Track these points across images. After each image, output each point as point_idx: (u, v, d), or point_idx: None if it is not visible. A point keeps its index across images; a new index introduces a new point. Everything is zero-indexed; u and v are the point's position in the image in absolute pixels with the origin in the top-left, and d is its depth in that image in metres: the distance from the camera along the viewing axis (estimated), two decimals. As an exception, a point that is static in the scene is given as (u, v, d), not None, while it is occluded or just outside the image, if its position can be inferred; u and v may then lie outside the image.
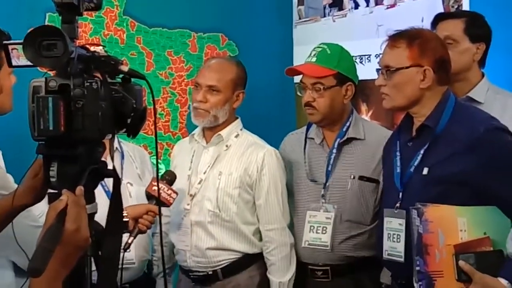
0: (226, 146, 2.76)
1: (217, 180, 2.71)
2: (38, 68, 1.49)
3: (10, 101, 2.04)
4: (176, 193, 2.56)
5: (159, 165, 2.73)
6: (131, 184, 2.67)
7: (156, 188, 2.48)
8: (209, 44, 3.80)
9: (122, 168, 2.66)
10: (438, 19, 2.69)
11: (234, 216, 2.70)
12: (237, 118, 2.82)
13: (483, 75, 2.64)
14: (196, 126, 2.84)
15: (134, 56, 3.57)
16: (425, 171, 2.18)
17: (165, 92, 3.68)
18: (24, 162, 2.42)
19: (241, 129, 2.81)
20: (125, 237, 2.38)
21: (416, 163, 2.21)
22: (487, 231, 2.08)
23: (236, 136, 2.78)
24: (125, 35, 3.55)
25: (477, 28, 2.62)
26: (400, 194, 2.24)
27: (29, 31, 1.44)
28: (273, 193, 2.71)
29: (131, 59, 3.54)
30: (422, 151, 2.21)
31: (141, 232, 2.50)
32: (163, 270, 2.76)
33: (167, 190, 2.52)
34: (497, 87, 2.66)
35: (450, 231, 2.07)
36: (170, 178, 2.58)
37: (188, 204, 2.73)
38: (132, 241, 2.46)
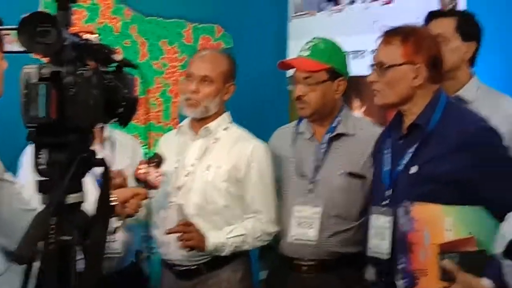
0: (215, 139, 2.75)
1: (205, 173, 2.70)
2: (31, 55, 1.50)
3: (1, 86, 2.04)
4: (163, 175, 2.53)
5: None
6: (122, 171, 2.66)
7: (142, 171, 2.47)
8: (204, 35, 3.79)
9: (113, 157, 2.65)
10: (431, 16, 2.70)
11: (220, 210, 2.69)
12: (226, 111, 2.81)
13: (473, 74, 2.66)
14: (184, 117, 2.83)
15: (128, 45, 3.57)
16: (414, 169, 2.19)
17: (158, 82, 3.68)
18: (14, 148, 2.44)
19: (230, 122, 2.81)
20: (114, 221, 2.38)
21: (405, 161, 2.22)
22: (473, 231, 2.08)
23: (225, 129, 2.77)
24: (120, 23, 3.55)
25: (469, 27, 2.63)
26: (389, 191, 2.25)
27: (23, 17, 1.45)
28: (261, 186, 2.70)
29: (125, 48, 3.54)
30: (412, 149, 2.21)
31: (129, 216, 2.49)
32: (149, 252, 2.75)
33: (155, 172, 2.50)
34: (487, 86, 2.66)
35: (436, 230, 2.07)
36: (158, 160, 2.55)
37: (174, 196, 2.71)
38: (120, 225, 2.46)
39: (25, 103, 1.44)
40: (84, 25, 3.43)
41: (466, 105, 2.46)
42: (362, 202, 2.62)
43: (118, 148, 2.79)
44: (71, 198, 1.50)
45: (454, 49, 2.59)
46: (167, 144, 2.86)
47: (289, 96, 3.67)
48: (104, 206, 1.56)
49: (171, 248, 2.68)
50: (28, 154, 2.56)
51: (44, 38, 1.42)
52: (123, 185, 2.55)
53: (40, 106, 1.42)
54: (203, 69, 2.70)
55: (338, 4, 3.73)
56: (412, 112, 2.25)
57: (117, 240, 2.62)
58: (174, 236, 2.59)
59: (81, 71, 1.47)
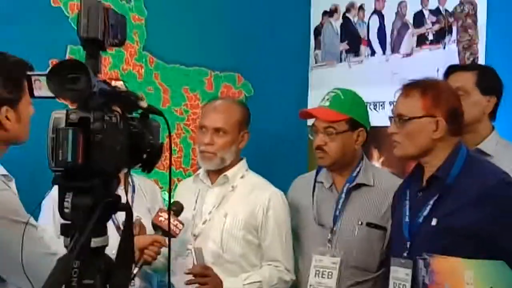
0: (232, 187, 2.76)
1: (223, 220, 2.70)
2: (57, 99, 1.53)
3: (27, 132, 2.07)
4: (183, 224, 2.54)
5: (169, 200, 2.74)
6: (140, 218, 2.66)
7: (162, 219, 2.48)
8: (225, 83, 3.83)
9: (132, 202, 2.67)
10: (451, 70, 2.73)
11: (237, 258, 2.69)
12: (242, 158, 2.82)
13: (493, 128, 2.66)
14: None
15: (151, 92, 3.61)
16: (434, 222, 2.18)
17: (179, 128, 3.70)
18: (36, 191, 2.45)
19: (246, 170, 2.82)
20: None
21: (425, 213, 2.22)
22: (494, 285, 2.07)
23: (242, 177, 2.78)
24: (143, 70, 3.60)
25: (489, 81, 2.65)
26: (408, 243, 2.23)
27: (54, 63, 1.48)
28: (277, 235, 2.70)
29: (148, 94, 3.57)
30: (431, 202, 2.21)
31: (147, 263, 2.49)
32: None
33: (173, 221, 2.50)
34: (506, 140, 2.67)
35: (456, 283, 2.06)
36: (176, 208, 2.56)
37: (191, 244, 2.71)
38: (137, 272, 2.45)
39: (52, 148, 1.46)
40: (109, 71, 3.49)
41: (486, 158, 2.46)
42: (381, 254, 2.61)
43: (138, 192, 2.80)
44: (95, 242, 1.50)
45: (474, 102, 2.61)
46: (184, 191, 2.86)
47: (308, 145, 3.69)
48: (127, 251, 1.56)
49: None
50: (50, 198, 2.57)
51: (74, 84, 1.44)
52: (141, 233, 2.56)
53: (68, 150, 1.44)
54: (216, 120, 2.70)
55: (358, 56, 3.76)
56: (432, 165, 2.25)
57: (135, 286, 2.61)
58: (193, 286, 2.57)
59: (108, 117, 1.49)
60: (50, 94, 1.49)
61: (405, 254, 2.23)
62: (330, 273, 2.59)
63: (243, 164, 2.81)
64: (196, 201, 2.78)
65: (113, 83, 1.62)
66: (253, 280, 2.64)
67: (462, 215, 2.14)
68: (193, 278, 2.57)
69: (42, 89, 1.59)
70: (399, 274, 2.22)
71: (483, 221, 2.10)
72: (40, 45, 3.19)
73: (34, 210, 1.94)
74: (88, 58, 1.54)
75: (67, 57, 3.26)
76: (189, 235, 2.72)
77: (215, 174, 2.77)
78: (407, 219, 2.29)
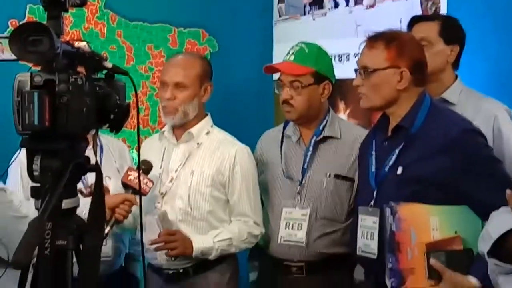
0: (197, 143, 2.74)
1: (189, 178, 2.70)
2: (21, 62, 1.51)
3: None
4: (152, 182, 2.54)
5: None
6: (110, 178, 2.66)
7: (131, 177, 2.49)
8: (190, 39, 3.80)
9: (101, 162, 2.64)
10: (414, 21, 2.73)
11: (205, 214, 2.69)
12: (206, 114, 2.80)
13: (456, 77, 2.68)
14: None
15: (114, 50, 3.57)
16: (400, 170, 2.21)
17: (145, 86, 3.69)
18: (2, 155, 2.43)
19: (211, 126, 2.79)
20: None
21: (390, 163, 2.24)
22: (458, 230, 2.12)
23: (207, 133, 2.76)
24: (105, 28, 3.55)
25: (452, 31, 2.66)
26: (375, 192, 2.26)
27: (16, 27, 1.46)
28: (245, 190, 2.70)
29: (111, 52, 3.54)
30: (397, 151, 2.23)
31: (118, 222, 2.49)
32: (142, 259, 2.76)
33: (144, 179, 2.50)
34: (470, 89, 2.69)
35: (422, 229, 2.10)
36: (146, 167, 2.56)
37: (158, 203, 2.70)
38: (108, 231, 2.46)
39: (18, 111, 1.45)
40: (70, 31, 3.43)
41: (449, 107, 2.49)
42: (349, 204, 2.65)
43: (106, 152, 2.79)
44: (66, 204, 1.51)
45: (438, 52, 2.62)
46: (149, 149, 2.83)
47: (274, 100, 3.70)
48: (98, 211, 1.57)
49: (157, 253, 2.66)
50: (18, 160, 2.55)
51: (37, 47, 1.43)
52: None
53: (34, 113, 1.43)
54: (175, 75, 2.67)
55: (322, 8, 3.75)
56: (397, 115, 2.27)
57: (107, 245, 2.61)
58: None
59: (74, 79, 1.48)
60: (13, 57, 1.48)
61: (372, 203, 2.25)
62: (299, 225, 2.63)
63: (208, 120, 2.79)
64: (162, 159, 2.76)
65: (77, 44, 1.61)
66: (223, 237, 2.65)
67: (426, 163, 2.17)
68: (161, 244, 2.58)
69: (4, 52, 1.58)
70: (367, 222, 2.26)
71: (447, 169, 2.13)
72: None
73: (2, 174, 1.93)
74: (50, 19, 1.53)
75: (26, 17, 3.18)
76: (157, 193, 2.71)
77: (180, 131, 2.75)
78: (373, 169, 2.31)
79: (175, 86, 2.66)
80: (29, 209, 1.69)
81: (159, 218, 2.64)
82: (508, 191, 1.68)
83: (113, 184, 2.68)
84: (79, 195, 2.18)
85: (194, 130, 2.73)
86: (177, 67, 2.71)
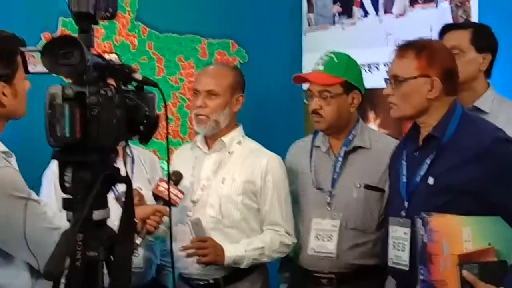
0: (229, 152, 2.76)
1: (220, 186, 2.72)
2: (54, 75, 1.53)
3: (24, 106, 2.07)
4: (183, 192, 2.56)
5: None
6: (141, 189, 2.67)
7: (162, 188, 2.50)
8: (219, 50, 3.82)
9: (132, 173, 2.67)
10: (445, 29, 2.73)
11: (236, 223, 2.70)
12: (238, 125, 2.82)
13: (489, 85, 2.67)
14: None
15: (145, 61, 3.60)
16: (431, 180, 2.19)
17: (175, 97, 3.70)
18: (35, 166, 2.47)
19: (243, 136, 2.82)
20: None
21: (422, 173, 2.23)
22: (491, 241, 2.09)
23: (239, 143, 2.78)
24: (136, 40, 3.58)
25: (484, 39, 2.65)
26: (406, 203, 2.25)
27: (47, 40, 1.48)
28: (276, 199, 2.71)
29: (142, 64, 3.57)
30: (428, 161, 2.22)
31: (149, 233, 2.51)
32: (172, 270, 2.77)
33: (174, 190, 2.52)
34: (503, 97, 2.68)
35: (454, 240, 2.08)
36: (176, 178, 2.58)
37: (190, 211, 2.73)
38: (140, 243, 2.48)
39: (50, 123, 1.46)
40: (102, 43, 3.47)
41: (481, 116, 2.47)
42: (380, 215, 2.64)
43: (137, 163, 2.81)
44: (97, 215, 1.52)
45: (470, 60, 2.61)
46: (181, 158, 2.87)
47: (304, 110, 3.69)
48: (128, 222, 1.57)
49: (188, 263, 2.67)
50: (50, 172, 2.59)
51: (68, 60, 1.44)
52: (140, 203, 2.57)
53: (65, 126, 1.44)
54: (207, 83, 2.71)
55: (351, 17, 3.74)
56: (428, 124, 2.26)
57: (139, 256, 2.63)
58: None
59: (104, 91, 1.49)
60: (45, 70, 1.49)
61: (403, 214, 2.24)
62: (330, 236, 2.62)
63: (239, 130, 2.82)
64: (193, 168, 2.78)
65: (107, 56, 1.62)
66: (255, 246, 2.66)
67: (458, 173, 2.15)
68: (193, 251, 2.60)
69: (36, 65, 1.59)
70: (398, 233, 2.24)
71: (479, 178, 2.11)
72: (32, 18, 3.17)
73: (33, 187, 1.95)
74: (80, 32, 1.54)
75: (59, 29, 3.24)
76: (188, 202, 2.73)
77: (212, 140, 2.77)
78: (404, 179, 2.30)
79: (207, 94, 2.69)
80: (62, 221, 1.70)
81: (192, 224, 2.65)
82: None
83: (144, 195, 2.68)
84: (116, 203, 2.22)
85: (226, 139, 2.76)
86: (210, 76, 2.75)
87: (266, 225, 2.74)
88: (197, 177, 2.77)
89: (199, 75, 2.84)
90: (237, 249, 2.64)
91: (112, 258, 1.53)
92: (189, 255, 2.60)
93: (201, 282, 2.73)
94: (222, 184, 2.72)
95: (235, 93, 2.75)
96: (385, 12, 3.53)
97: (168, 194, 2.32)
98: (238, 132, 2.80)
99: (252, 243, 2.67)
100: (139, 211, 2.44)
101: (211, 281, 2.71)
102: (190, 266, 2.69)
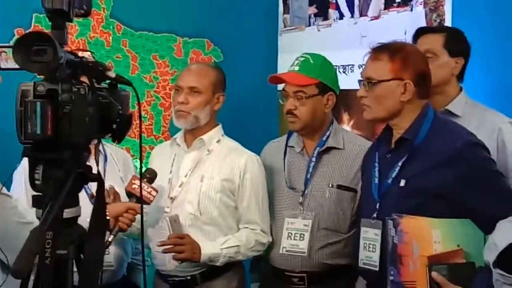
0: (208, 150, 2.77)
1: (199, 183, 2.72)
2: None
3: None
4: (156, 190, 2.56)
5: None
6: (113, 186, 2.67)
7: (136, 186, 2.50)
8: (194, 49, 3.82)
9: (105, 171, 2.64)
10: (419, 33, 2.74)
11: (214, 220, 2.71)
12: (218, 124, 2.84)
13: (461, 89, 2.68)
14: (179, 130, 2.86)
15: (120, 59, 3.58)
16: (402, 183, 2.21)
17: (149, 95, 3.69)
18: (7, 163, 2.44)
19: (222, 135, 2.83)
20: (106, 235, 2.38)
21: (393, 175, 2.24)
22: (460, 243, 2.11)
23: (218, 142, 2.80)
24: (111, 37, 3.56)
25: (457, 43, 2.66)
26: (377, 204, 2.26)
27: (19, 36, 1.47)
28: (254, 198, 2.73)
29: (116, 61, 3.55)
30: (400, 163, 2.23)
31: (122, 230, 2.50)
32: (143, 269, 2.76)
33: (147, 188, 2.52)
34: (474, 101, 2.70)
35: (424, 242, 2.09)
36: (150, 176, 2.58)
37: (168, 207, 2.73)
38: (112, 240, 2.47)
39: (21, 120, 1.45)
40: (76, 39, 3.44)
41: (453, 119, 2.49)
42: (352, 215, 2.64)
43: (110, 161, 2.80)
44: (67, 213, 1.51)
45: (442, 64, 2.62)
46: (160, 156, 2.88)
47: (279, 110, 3.70)
48: (99, 220, 1.57)
49: (165, 260, 2.69)
50: (21, 169, 2.56)
51: (40, 57, 1.43)
52: (115, 200, 2.56)
53: (36, 123, 1.43)
54: (190, 81, 2.74)
55: (327, 19, 3.75)
56: (401, 127, 2.27)
57: (109, 254, 2.62)
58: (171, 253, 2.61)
59: (77, 89, 1.48)
60: (17, 66, 1.48)
61: (374, 215, 2.26)
62: (302, 235, 2.63)
63: (219, 129, 2.83)
64: (172, 165, 2.79)
65: (80, 53, 1.61)
66: (231, 244, 2.67)
67: (430, 176, 2.17)
68: (169, 246, 2.60)
69: (8, 61, 1.58)
70: (369, 234, 2.26)
71: (450, 182, 2.13)
72: (5, 14, 3.13)
73: (5, 182, 1.93)
74: (54, 29, 1.53)
75: (32, 25, 3.20)
76: (166, 199, 2.74)
77: (191, 138, 2.79)
78: (376, 181, 2.31)
79: (189, 91, 2.72)
80: (34, 217, 1.69)
81: (171, 221, 2.65)
82: None
83: None
84: (90, 200, 2.21)
85: (205, 137, 2.77)
86: (193, 74, 2.78)
87: (242, 223, 2.75)
88: (175, 173, 2.78)
89: (182, 72, 2.86)
90: (213, 247, 2.65)
91: (82, 256, 1.53)
92: (166, 251, 2.61)
93: (177, 279, 2.73)
94: (200, 181, 2.73)
95: (216, 91, 2.77)
96: (360, 14, 3.54)
97: (140, 191, 2.31)
98: (217, 131, 2.82)
99: (228, 241, 2.68)
100: (112, 209, 2.44)
101: (188, 278, 2.72)
102: (167, 263, 2.69)
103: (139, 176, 2.56)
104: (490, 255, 1.66)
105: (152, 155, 2.98)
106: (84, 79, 1.54)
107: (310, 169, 2.69)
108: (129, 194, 2.53)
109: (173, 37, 3.75)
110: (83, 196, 1.73)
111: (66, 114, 1.46)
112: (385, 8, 3.41)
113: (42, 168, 1.50)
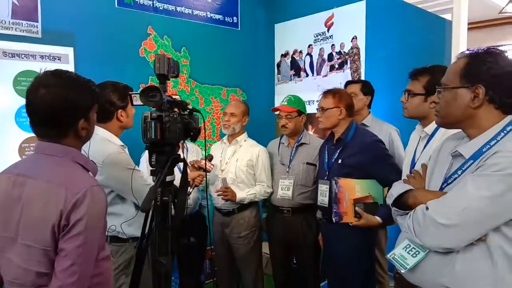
0: (240, 145, 2.76)
1: (235, 162, 2.71)
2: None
3: (132, 122, 2.06)
4: (213, 165, 2.54)
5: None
6: (199, 161, 2.63)
7: (202, 163, 2.47)
8: (232, 94, 3.80)
9: (186, 157, 2.67)
10: (348, 83, 2.73)
11: (243, 180, 2.69)
12: (244, 132, 2.81)
13: (369, 112, 2.67)
14: (224, 135, 2.84)
15: (194, 99, 3.58)
16: (339, 161, 2.20)
17: (209, 117, 3.69)
18: (137, 153, 2.44)
19: (247, 137, 2.81)
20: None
21: (335, 157, 2.23)
22: (370, 192, 2.10)
23: (245, 141, 2.78)
24: (189, 88, 3.56)
25: (367, 88, 2.66)
26: (327, 172, 2.25)
27: (143, 88, 1.47)
28: (263, 169, 2.70)
29: (192, 101, 3.53)
30: (338, 151, 2.22)
31: (196, 185, 2.48)
32: (206, 206, 2.76)
33: (209, 164, 2.49)
34: (377, 118, 2.67)
35: (351, 192, 2.09)
36: (209, 157, 2.56)
37: (220, 175, 2.73)
38: (191, 191, 2.46)
39: (144, 131, 1.47)
40: (171, 89, 3.43)
41: (366, 128, 2.47)
42: (314, 177, 2.60)
43: (189, 151, 2.80)
44: (168, 178, 1.52)
45: (360, 100, 2.62)
46: (215, 148, 2.87)
47: (275, 125, 3.68)
48: (184, 181, 1.57)
49: (219, 200, 2.68)
50: (144, 157, 2.57)
51: (153, 98, 1.44)
52: (192, 170, 2.55)
53: (152, 132, 1.44)
54: (231, 109, 2.72)
55: (300, 77, 3.73)
56: (338, 132, 2.26)
57: (190, 198, 2.62)
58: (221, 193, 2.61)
59: (172, 115, 1.49)
60: (141, 103, 1.49)
61: (325, 178, 2.24)
62: (288, 188, 2.61)
63: (245, 134, 2.81)
64: (221, 153, 2.78)
65: (174, 96, 1.62)
66: (252, 192, 2.66)
67: (353, 158, 2.15)
68: (221, 192, 2.60)
69: (137, 101, 1.59)
70: (323, 188, 2.25)
71: (364, 160, 2.12)
72: (135, 77, 3.14)
73: (137, 163, 1.93)
74: (160, 83, 1.54)
75: (149, 82, 3.21)
76: (219, 170, 2.73)
77: (231, 139, 2.77)
78: (326, 160, 2.30)
79: (230, 114, 2.71)
80: (151, 181, 1.69)
81: (222, 180, 2.66)
82: (404, 178, 1.63)
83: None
84: (179, 171, 2.20)
85: (238, 138, 2.75)
86: (232, 106, 2.75)
87: (257, 182, 2.72)
88: (224, 157, 2.76)
89: (227, 105, 2.82)
90: (242, 193, 2.64)
91: (176, 200, 1.54)
92: (219, 195, 2.61)
93: (225, 210, 2.72)
94: (236, 161, 2.71)
95: (244, 115, 2.75)
96: (317, 74, 3.52)
97: (205, 165, 2.32)
98: (244, 136, 2.79)
99: (250, 191, 2.66)
100: (190, 174, 2.44)
101: (230, 210, 2.70)
102: (220, 201, 2.68)
103: (204, 158, 2.57)
104: (389, 200, 1.64)
105: (211, 148, 2.97)
106: (175, 109, 1.55)
107: (292, 154, 2.67)
108: (199, 167, 2.53)
109: (221, 88, 3.73)
110: (176, 170, 1.75)
111: (167, 128, 1.47)
112: (330, 71, 3.39)
113: (155, 156, 1.51)
